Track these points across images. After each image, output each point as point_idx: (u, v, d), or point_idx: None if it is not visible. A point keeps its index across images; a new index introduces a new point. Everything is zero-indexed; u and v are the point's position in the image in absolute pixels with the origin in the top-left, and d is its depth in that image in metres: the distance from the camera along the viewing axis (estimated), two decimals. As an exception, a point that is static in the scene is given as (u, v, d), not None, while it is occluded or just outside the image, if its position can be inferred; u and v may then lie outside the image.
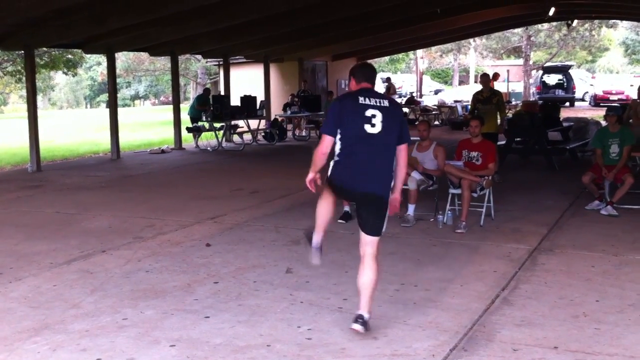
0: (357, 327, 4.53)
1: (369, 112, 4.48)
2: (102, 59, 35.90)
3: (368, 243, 4.62)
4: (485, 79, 11.62)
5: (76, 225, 8.29)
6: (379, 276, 4.66)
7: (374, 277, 4.57)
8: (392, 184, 4.67)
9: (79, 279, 5.99)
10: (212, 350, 4.39)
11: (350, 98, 4.58)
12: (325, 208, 4.70)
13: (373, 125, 4.47)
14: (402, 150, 4.64)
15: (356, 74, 4.69)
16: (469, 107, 12.64)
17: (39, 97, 43.31)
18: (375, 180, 4.55)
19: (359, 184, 4.55)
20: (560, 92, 33.92)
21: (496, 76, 23.87)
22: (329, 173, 4.62)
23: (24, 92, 28.18)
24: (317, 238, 4.79)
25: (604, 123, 11.13)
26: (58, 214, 9.06)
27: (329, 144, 4.52)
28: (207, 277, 6.00)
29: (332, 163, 4.60)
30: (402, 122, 4.67)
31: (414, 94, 31.83)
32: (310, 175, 4.65)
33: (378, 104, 4.52)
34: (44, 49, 22.71)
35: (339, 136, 4.52)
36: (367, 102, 4.51)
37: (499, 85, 26.81)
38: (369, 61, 39.68)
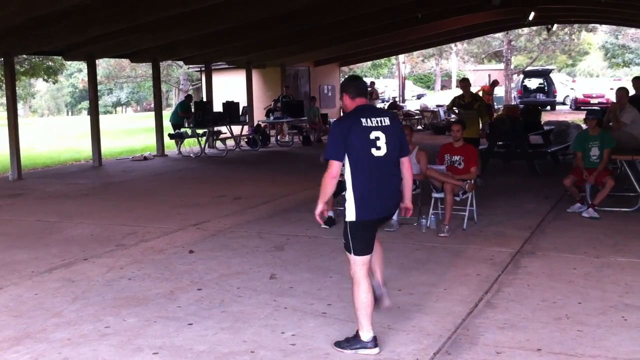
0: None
1: (373, 135, 4.38)
2: (83, 65, 35.64)
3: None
4: (465, 84, 11.68)
5: (58, 234, 8.23)
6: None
7: (382, 250, 4.92)
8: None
9: (60, 288, 5.94)
10: (195, 357, 4.37)
11: (353, 120, 4.41)
12: (369, 292, 4.43)
13: (379, 149, 4.38)
14: (404, 162, 4.60)
15: (349, 90, 4.56)
16: (446, 107, 12.75)
17: (20, 105, 43.01)
18: (394, 201, 4.58)
19: (386, 210, 4.54)
20: (541, 96, 34.14)
21: (495, 83, 24.03)
22: (352, 214, 4.38)
23: (4, 100, 27.98)
24: (370, 330, 4.41)
25: (584, 126, 11.23)
26: (39, 222, 8.98)
27: (338, 169, 4.37)
28: (190, 284, 5.97)
29: (351, 201, 4.39)
30: (402, 136, 4.61)
31: (397, 99, 31.92)
32: (320, 207, 4.51)
33: (380, 124, 4.41)
34: (24, 56, 22.56)
35: (348, 166, 4.39)
36: (370, 123, 4.38)
37: (497, 91, 26.98)
38: (352, 67, 39.85)
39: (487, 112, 15.04)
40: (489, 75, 35.51)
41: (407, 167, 4.62)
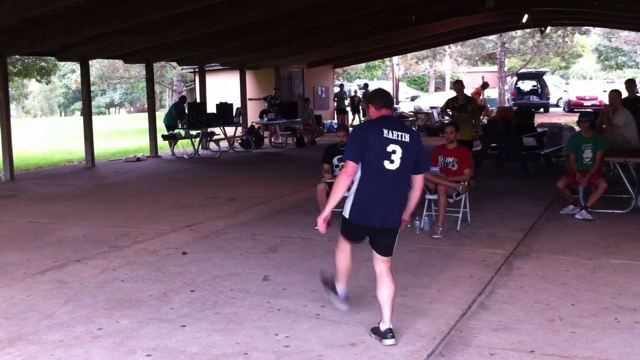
0: (392, 341, 4.50)
1: (390, 148, 4.46)
2: (76, 66, 35.61)
3: (384, 261, 4.68)
4: (459, 86, 11.69)
5: (50, 235, 8.20)
6: (396, 285, 4.70)
7: (394, 288, 4.65)
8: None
9: (53, 289, 5.91)
10: (188, 359, 4.36)
11: (376, 129, 4.50)
12: (346, 260, 4.88)
13: (392, 162, 4.47)
14: (418, 179, 4.69)
15: (375, 101, 4.65)
16: (440, 109, 12.78)
17: (13, 105, 42.86)
18: (394, 215, 4.62)
19: (380, 220, 4.57)
20: (534, 98, 34.25)
21: (486, 85, 24.09)
22: (347, 212, 4.61)
23: (-4, 101, 27.79)
24: (342, 289, 4.95)
25: (577, 129, 11.26)
26: (32, 224, 8.95)
27: (353, 171, 4.48)
28: (183, 285, 5.96)
29: (350, 200, 4.57)
30: (420, 153, 4.64)
31: (390, 101, 31.89)
32: (327, 212, 4.62)
33: (400, 139, 4.48)
34: (17, 56, 22.49)
35: (359, 169, 4.49)
36: (390, 135, 4.47)
37: (488, 92, 27.01)
38: (346, 68, 39.91)
39: (480, 113, 15.06)
40: (483, 77, 35.60)
41: (420, 185, 4.72)
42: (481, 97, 23.01)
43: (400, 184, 4.58)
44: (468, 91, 13.65)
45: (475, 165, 10.26)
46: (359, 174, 4.52)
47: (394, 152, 4.46)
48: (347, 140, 4.65)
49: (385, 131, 4.48)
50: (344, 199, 4.70)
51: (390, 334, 4.53)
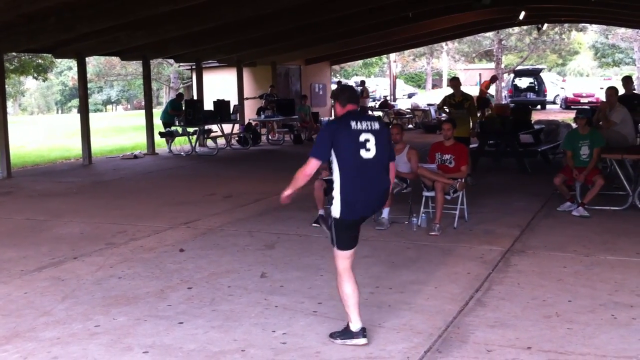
0: (364, 340, 4.47)
1: (362, 137, 4.47)
2: (73, 63, 35.55)
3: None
4: (456, 83, 11.69)
5: (47, 232, 8.19)
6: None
7: (356, 287, 4.58)
8: None
9: (50, 286, 5.91)
10: (185, 356, 4.36)
11: (343, 123, 4.51)
12: (354, 287, 4.52)
13: (368, 150, 4.47)
14: (390, 167, 4.73)
15: (339, 98, 4.67)
16: (437, 106, 12.79)
17: (9, 103, 42.80)
18: (380, 201, 4.68)
19: (367, 210, 4.64)
20: (531, 95, 34.25)
21: (495, 78, 24.02)
22: (338, 212, 4.47)
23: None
24: (358, 322, 4.50)
25: (574, 125, 11.27)
26: (28, 221, 8.94)
27: (314, 168, 4.51)
28: (181, 282, 5.96)
29: (337, 200, 4.49)
30: (390, 142, 4.78)
31: (388, 98, 31.96)
32: (289, 192, 4.67)
33: (370, 128, 4.51)
34: (14, 53, 22.43)
35: (337, 167, 4.48)
36: (360, 126, 4.48)
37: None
38: (343, 65, 39.90)
39: (486, 106, 15.02)
40: (480, 75, 35.64)
41: (392, 171, 4.77)
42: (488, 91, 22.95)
43: (381, 169, 4.57)
44: (469, 88, 13.65)
45: (472, 162, 10.27)
46: (337, 172, 4.48)
47: (367, 140, 4.47)
48: (316, 138, 4.58)
49: (353, 123, 4.49)
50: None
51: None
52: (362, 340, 4.46)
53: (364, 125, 4.50)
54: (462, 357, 4.28)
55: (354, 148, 4.45)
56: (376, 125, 4.56)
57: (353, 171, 4.46)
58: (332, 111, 26.06)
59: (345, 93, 4.70)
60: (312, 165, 4.51)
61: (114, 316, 5.11)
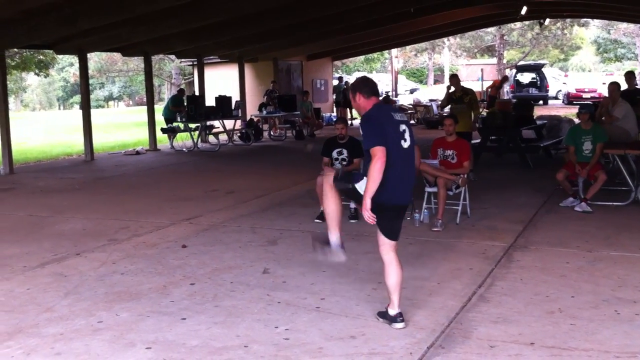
0: (402, 325, 4.65)
1: (401, 128, 4.66)
2: (75, 59, 35.53)
3: (393, 246, 4.76)
4: (456, 80, 11.69)
5: (49, 228, 8.19)
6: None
7: (402, 273, 4.77)
8: None
9: (52, 282, 5.91)
10: (188, 352, 4.36)
11: (386, 113, 4.69)
12: (335, 205, 4.80)
13: (405, 141, 4.66)
14: (416, 149, 5.02)
15: (363, 90, 4.72)
16: (439, 103, 12.81)
17: (11, 99, 42.80)
18: (411, 191, 4.83)
19: (407, 198, 4.80)
20: (533, 91, 34.20)
21: (505, 79, 23.97)
22: (379, 196, 4.51)
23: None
24: (335, 237, 4.83)
25: (577, 121, 11.25)
26: (31, 217, 8.94)
27: (385, 155, 4.48)
28: (183, 278, 5.96)
29: (379, 186, 4.52)
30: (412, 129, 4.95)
31: (390, 93, 31.93)
32: (369, 203, 4.52)
33: (403, 119, 4.75)
34: (15, 49, 22.42)
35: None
36: (398, 117, 4.70)
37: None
38: (344, 61, 39.85)
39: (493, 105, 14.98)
40: (482, 70, 35.57)
41: (418, 154, 5.07)
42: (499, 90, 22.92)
43: (413, 160, 4.79)
44: (474, 84, 13.66)
45: (474, 158, 10.25)
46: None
47: (404, 131, 4.67)
48: (363, 129, 4.60)
49: (393, 114, 4.70)
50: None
51: (401, 318, 4.67)
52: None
53: (399, 116, 4.72)
54: (465, 352, 4.28)
55: (397, 138, 4.60)
56: (405, 117, 4.81)
57: (397, 160, 4.57)
58: (334, 107, 26.14)
59: (368, 84, 4.79)
60: (382, 154, 4.47)
61: (117, 312, 5.12)
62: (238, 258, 6.59)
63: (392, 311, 4.70)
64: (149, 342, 4.52)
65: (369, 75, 35.80)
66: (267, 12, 14.56)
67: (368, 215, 4.56)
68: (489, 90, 20.95)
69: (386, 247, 4.76)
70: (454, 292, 5.44)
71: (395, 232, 4.78)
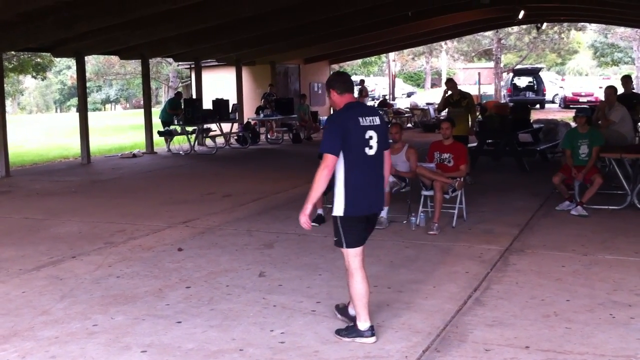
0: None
1: (367, 134, 4.44)
2: (72, 62, 35.53)
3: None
4: (452, 84, 11.71)
5: (45, 231, 8.18)
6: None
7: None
8: None
9: (48, 285, 5.90)
10: (183, 355, 4.35)
11: (351, 119, 4.43)
12: (364, 282, 4.51)
13: (371, 148, 4.46)
14: (386, 155, 4.67)
15: (336, 85, 4.57)
16: (436, 106, 12.84)
17: (8, 102, 42.75)
18: (381, 199, 4.67)
19: (377, 207, 4.62)
20: (530, 95, 34.24)
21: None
22: (342, 210, 4.43)
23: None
24: (367, 320, 4.51)
25: (573, 124, 11.27)
26: (27, 220, 8.93)
27: (333, 163, 4.37)
28: (179, 281, 5.95)
29: (341, 198, 4.43)
30: (387, 133, 4.74)
31: (387, 97, 31.96)
32: (309, 209, 4.46)
33: (373, 124, 4.48)
34: (13, 52, 22.41)
35: (341, 163, 4.41)
36: (366, 122, 4.44)
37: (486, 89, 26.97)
38: (342, 64, 39.84)
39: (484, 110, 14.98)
40: (479, 74, 35.62)
41: (387, 159, 4.70)
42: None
43: (380, 166, 4.59)
44: (470, 88, 13.68)
45: (471, 161, 10.27)
46: (342, 168, 4.42)
47: (371, 137, 4.45)
48: (324, 131, 4.49)
49: (361, 119, 4.44)
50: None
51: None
52: (371, 339, 4.47)
53: (368, 120, 4.47)
54: (461, 356, 4.28)
55: (360, 145, 4.42)
56: (377, 120, 4.53)
57: (358, 168, 4.43)
58: (331, 110, 26.17)
59: (341, 79, 4.62)
60: (330, 162, 4.35)
61: (113, 315, 5.11)
62: (234, 261, 6.58)
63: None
64: (145, 346, 4.51)
65: (367, 79, 35.57)
66: (265, 15, 14.57)
67: (304, 220, 4.47)
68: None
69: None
70: (450, 295, 5.44)
71: (363, 239, 4.58)
